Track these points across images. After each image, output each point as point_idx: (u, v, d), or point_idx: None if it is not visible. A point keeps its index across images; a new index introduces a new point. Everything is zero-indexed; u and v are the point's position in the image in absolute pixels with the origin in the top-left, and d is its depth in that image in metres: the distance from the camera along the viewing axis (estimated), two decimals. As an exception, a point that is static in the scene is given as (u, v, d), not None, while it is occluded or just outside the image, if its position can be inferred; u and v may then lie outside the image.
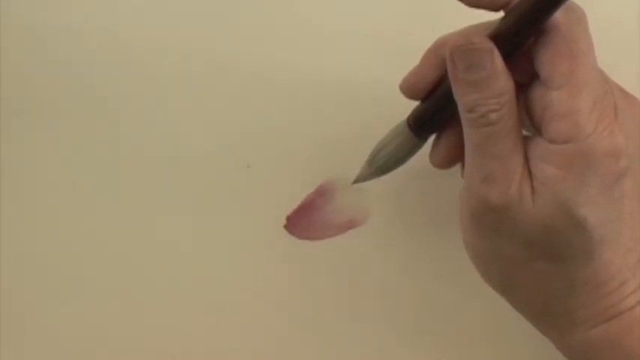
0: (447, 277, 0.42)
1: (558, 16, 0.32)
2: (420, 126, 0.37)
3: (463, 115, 0.34)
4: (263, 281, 0.43)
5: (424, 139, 0.38)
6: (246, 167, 0.45)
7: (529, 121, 0.34)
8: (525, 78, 0.34)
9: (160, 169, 0.45)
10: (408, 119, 0.38)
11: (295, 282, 0.43)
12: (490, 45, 0.33)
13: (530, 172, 0.33)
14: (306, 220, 0.44)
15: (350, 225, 0.43)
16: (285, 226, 0.44)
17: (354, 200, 0.44)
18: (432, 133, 0.38)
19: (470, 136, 0.34)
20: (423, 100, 0.37)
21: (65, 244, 0.45)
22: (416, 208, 0.43)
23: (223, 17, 0.46)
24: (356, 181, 0.40)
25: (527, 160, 0.33)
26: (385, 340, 0.42)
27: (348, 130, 0.44)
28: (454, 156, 0.37)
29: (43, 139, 0.46)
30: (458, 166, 0.38)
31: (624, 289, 0.34)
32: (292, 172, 0.44)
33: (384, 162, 0.39)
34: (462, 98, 0.33)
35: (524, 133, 0.34)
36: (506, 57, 0.33)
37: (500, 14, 0.34)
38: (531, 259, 0.34)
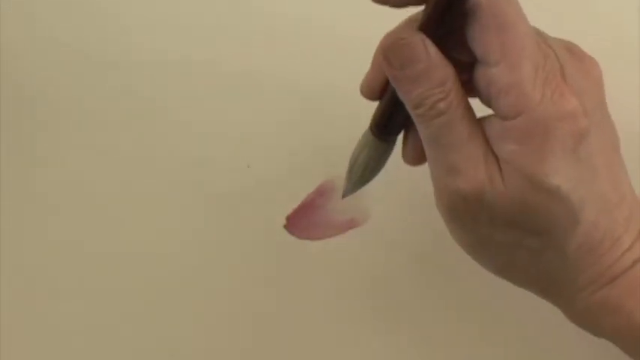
0: (447, 277, 0.42)
1: None
2: (382, 130, 0.37)
3: (412, 113, 0.33)
4: (263, 281, 0.43)
5: (391, 142, 0.37)
6: (246, 167, 0.45)
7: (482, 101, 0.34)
8: (471, 58, 0.33)
9: (161, 169, 0.45)
10: (370, 126, 0.37)
11: (295, 282, 0.43)
12: (420, 36, 0.32)
13: (494, 153, 0.33)
14: (306, 220, 0.44)
15: (350, 225, 0.43)
16: (285, 226, 0.44)
17: (354, 200, 0.44)
18: (396, 133, 0.37)
19: (423, 131, 0.33)
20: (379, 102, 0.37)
21: (65, 244, 0.45)
22: (416, 208, 0.43)
23: (224, 17, 0.46)
24: (344, 196, 0.39)
25: (488, 142, 0.33)
26: (385, 340, 0.42)
27: (348, 131, 0.44)
28: (423, 151, 0.36)
29: (43, 139, 0.46)
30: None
31: (618, 245, 0.34)
32: (292, 172, 0.44)
33: (361, 173, 0.38)
34: (407, 96, 0.33)
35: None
36: (440, 44, 0.32)
37: None
38: (519, 240, 0.34)
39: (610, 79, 0.41)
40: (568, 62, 0.33)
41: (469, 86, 0.33)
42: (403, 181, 0.43)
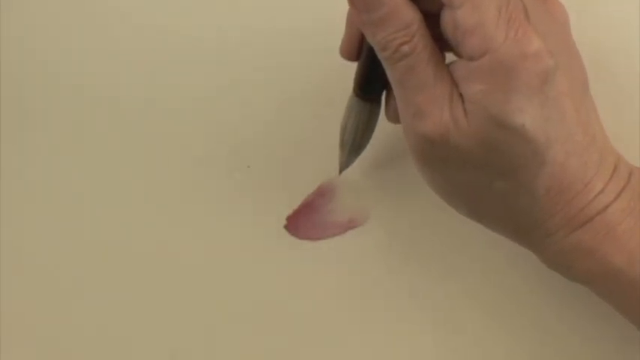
0: (447, 277, 0.42)
1: None
2: (364, 89, 0.38)
3: (380, 57, 0.34)
4: (263, 281, 0.43)
5: (376, 102, 0.38)
6: (246, 167, 0.45)
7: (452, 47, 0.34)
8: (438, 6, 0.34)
9: (161, 169, 0.45)
10: (354, 88, 0.38)
11: (295, 282, 0.43)
12: None
13: (461, 95, 0.33)
14: (306, 220, 0.44)
15: (350, 225, 0.43)
16: (285, 226, 0.44)
17: (354, 200, 0.44)
18: (379, 91, 0.38)
19: (391, 74, 0.34)
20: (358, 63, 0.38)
21: (65, 244, 0.45)
22: (416, 208, 0.43)
23: (224, 18, 0.46)
24: (341, 170, 0.41)
25: (455, 85, 0.33)
26: (385, 340, 0.42)
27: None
28: None
29: (43, 139, 0.46)
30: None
31: (590, 189, 0.34)
32: (292, 172, 0.44)
33: (352, 140, 0.40)
34: (373, 39, 0.34)
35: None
36: None
37: None
38: (488, 182, 0.34)
39: (610, 78, 0.42)
40: (531, 4, 0.33)
41: (443, 40, 0.34)
42: (403, 180, 0.43)
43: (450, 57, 0.34)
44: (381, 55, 0.34)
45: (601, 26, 0.42)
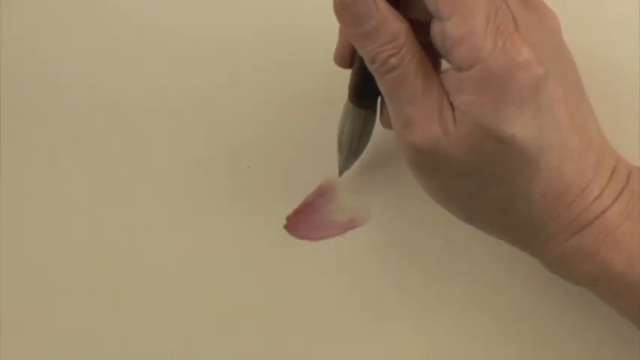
0: (447, 277, 0.42)
1: None
2: (358, 96, 0.38)
3: (370, 68, 0.34)
4: (263, 281, 0.43)
5: (371, 108, 0.39)
6: (247, 168, 0.45)
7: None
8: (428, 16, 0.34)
9: (161, 169, 0.45)
10: (348, 94, 0.38)
11: (295, 282, 0.43)
12: None
13: (451, 104, 0.33)
14: (306, 220, 0.44)
15: (350, 225, 0.43)
16: (286, 227, 0.44)
17: (354, 200, 0.44)
18: (373, 98, 0.38)
19: (381, 86, 0.34)
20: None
21: (65, 244, 0.45)
22: (416, 208, 0.43)
23: (224, 18, 0.46)
24: (340, 173, 0.41)
25: (446, 94, 0.33)
26: (385, 340, 0.42)
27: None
28: None
29: (44, 139, 0.46)
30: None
31: (587, 193, 0.34)
32: (292, 172, 0.44)
33: (349, 145, 0.40)
34: (362, 51, 0.34)
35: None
36: (398, 5, 0.33)
37: None
38: (483, 189, 0.34)
39: (610, 79, 0.42)
40: (521, 13, 0.33)
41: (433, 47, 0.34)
42: (403, 181, 0.43)
43: (445, 64, 0.34)
44: (370, 68, 0.34)
45: (600, 27, 0.42)
